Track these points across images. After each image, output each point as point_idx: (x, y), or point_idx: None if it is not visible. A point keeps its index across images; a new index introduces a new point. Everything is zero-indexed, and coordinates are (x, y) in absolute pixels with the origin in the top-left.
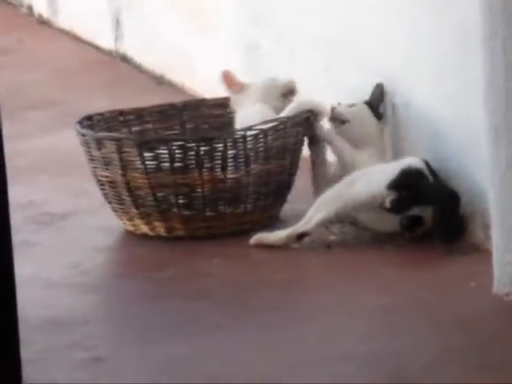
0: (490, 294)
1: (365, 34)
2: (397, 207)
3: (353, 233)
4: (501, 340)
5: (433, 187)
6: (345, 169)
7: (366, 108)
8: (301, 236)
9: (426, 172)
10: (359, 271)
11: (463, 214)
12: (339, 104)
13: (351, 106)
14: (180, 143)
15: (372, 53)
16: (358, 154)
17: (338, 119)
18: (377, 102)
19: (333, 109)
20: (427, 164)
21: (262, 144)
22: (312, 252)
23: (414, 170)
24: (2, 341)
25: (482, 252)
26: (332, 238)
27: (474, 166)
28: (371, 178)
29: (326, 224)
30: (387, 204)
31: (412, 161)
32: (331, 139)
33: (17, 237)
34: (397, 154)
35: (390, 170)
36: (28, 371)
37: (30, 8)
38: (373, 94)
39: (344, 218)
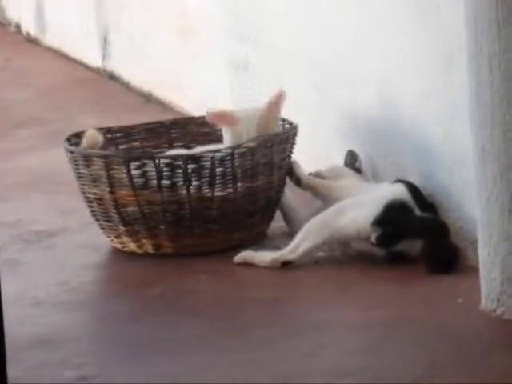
0: (477, 310)
1: (353, 52)
2: (383, 243)
3: (340, 249)
4: (489, 356)
5: (419, 220)
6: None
7: (343, 167)
8: (286, 263)
9: (412, 203)
10: (347, 287)
11: (453, 244)
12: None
13: (328, 168)
14: (168, 161)
15: (360, 70)
16: (340, 183)
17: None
18: (351, 165)
19: (309, 174)
20: (414, 190)
21: (249, 161)
22: (300, 268)
23: (399, 204)
24: None
25: (469, 268)
26: (320, 254)
27: (461, 183)
28: (356, 214)
29: (313, 252)
30: (373, 240)
31: (397, 192)
32: (311, 186)
33: (4, 255)
34: (383, 173)
35: (374, 205)
36: None
37: (17, 26)
38: (345, 162)
39: (332, 244)
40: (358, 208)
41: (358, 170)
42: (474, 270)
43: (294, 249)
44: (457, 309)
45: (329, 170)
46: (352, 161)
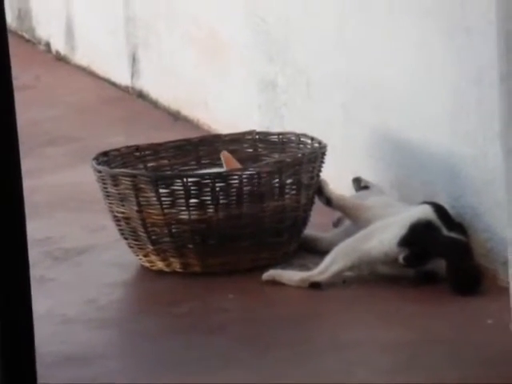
0: (507, 331)
1: (382, 71)
2: (411, 263)
3: (369, 269)
4: None
5: (442, 240)
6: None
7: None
8: (314, 285)
9: (437, 223)
10: (375, 306)
11: (476, 265)
12: None
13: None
14: (195, 179)
15: (389, 90)
16: (369, 203)
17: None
18: (358, 187)
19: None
20: (440, 211)
21: (277, 180)
22: (328, 287)
23: (424, 223)
24: (20, 377)
25: (500, 289)
26: (348, 273)
27: (491, 203)
28: (383, 237)
29: (342, 274)
30: (401, 260)
31: (422, 212)
32: (341, 206)
33: (33, 272)
34: (412, 193)
35: (400, 226)
36: None
37: (47, 45)
38: (355, 188)
39: (361, 268)
40: (385, 230)
41: (366, 187)
42: (504, 291)
43: (323, 270)
44: (486, 330)
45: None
46: (356, 185)
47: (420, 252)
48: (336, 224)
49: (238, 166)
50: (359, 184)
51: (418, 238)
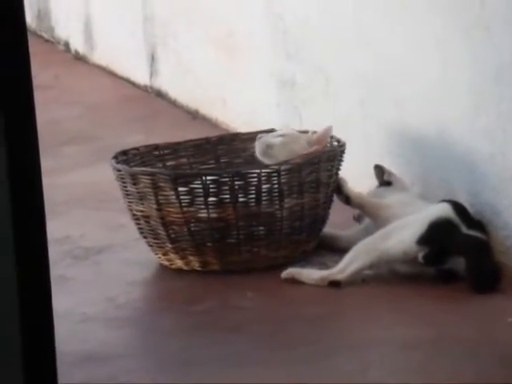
0: None
1: (400, 68)
2: (430, 261)
3: (388, 267)
4: None
5: (461, 238)
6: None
7: (372, 192)
8: (333, 283)
9: (456, 220)
10: (395, 304)
11: (495, 263)
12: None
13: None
14: (214, 178)
15: (407, 87)
16: (389, 202)
17: None
18: (380, 179)
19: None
20: (459, 209)
21: (295, 178)
22: (347, 285)
23: (443, 221)
24: (40, 375)
25: None
26: (367, 272)
27: (510, 201)
28: (402, 235)
29: (361, 273)
30: (420, 259)
31: (441, 210)
32: (360, 204)
33: (53, 271)
34: (430, 191)
35: (418, 224)
36: None
37: (66, 44)
38: (377, 176)
39: (380, 267)
40: (404, 229)
41: (389, 183)
42: None
43: (343, 269)
44: (507, 328)
45: (370, 194)
46: (379, 174)
47: (439, 250)
48: (357, 219)
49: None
50: (381, 172)
51: (437, 237)
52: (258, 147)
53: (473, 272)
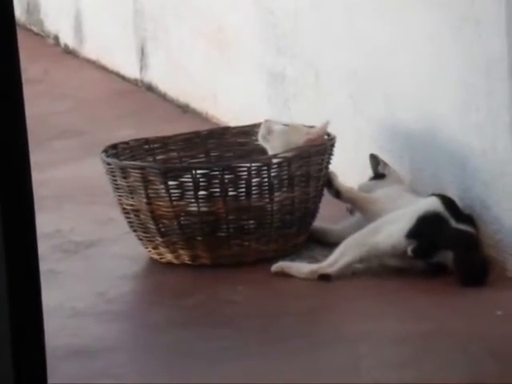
0: None
1: (390, 64)
2: (419, 255)
3: (377, 260)
4: None
5: (450, 232)
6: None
7: (364, 184)
8: (323, 277)
9: (445, 214)
10: (385, 298)
11: (483, 256)
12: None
13: (360, 186)
14: (204, 171)
15: (397, 82)
16: (379, 196)
17: None
18: (375, 169)
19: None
20: (448, 203)
21: (286, 172)
22: (337, 279)
23: (432, 215)
24: (29, 370)
25: (509, 280)
26: (357, 265)
27: (500, 195)
28: (391, 230)
29: (351, 266)
30: (409, 253)
31: (430, 204)
32: (350, 198)
33: (42, 266)
34: (421, 185)
35: (407, 218)
36: None
37: (56, 38)
38: (372, 166)
39: (370, 261)
40: (393, 223)
41: (382, 175)
42: None
43: (333, 263)
44: (496, 321)
45: (361, 188)
46: (374, 164)
47: (428, 244)
48: (351, 211)
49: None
50: (376, 162)
51: (426, 230)
52: (260, 130)
53: (461, 266)
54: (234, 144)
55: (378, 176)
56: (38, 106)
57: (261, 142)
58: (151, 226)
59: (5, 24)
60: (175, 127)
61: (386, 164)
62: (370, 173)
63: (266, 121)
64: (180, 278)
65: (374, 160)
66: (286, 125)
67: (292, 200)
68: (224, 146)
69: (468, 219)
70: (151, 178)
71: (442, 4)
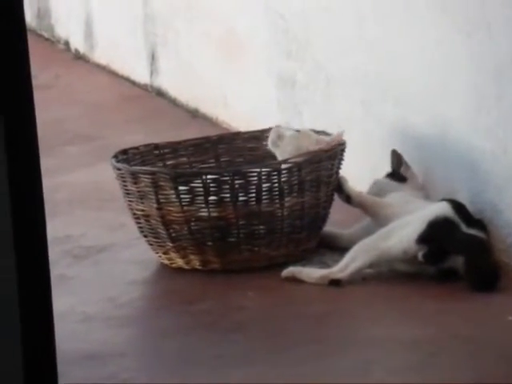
0: None
1: (401, 67)
2: (430, 260)
3: (388, 266)
4: None
5: (460, 237)
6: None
7: (385, 181)
8: (334, 282)
9: (456, 219)
10: (395, 303)
11: (494, 261)
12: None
13: (372, 186)
14: (215, 176)
15: (408, 86)
16: (389, 200)
17: None
18: (397, 167)
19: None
20: (458, 207)
21: (296, 177)
22: (347, 284)
23: (442, 220)
24: (40, 374)
25: None
26: (367, 270)
27: None
28: (402, 235)
29: (361, 271)
30: (420, 258)
31: (440, 209)
32: (361, 203)
33: (53, 271)
34: (432, 189)
35: (418, 223)
36: None
37: (66, 43)
38: (392, 162)
39: (380, 266)
40: (404, 228)
41: (403, 178)
42: None
43: (343, 268)
44: (507, 327)
45: (376, 185)
46: (397, 161)
47: (439, 249)
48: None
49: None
50: (399, 160)
51: (437, 235)
52: (270, 135)
53: (471, 271)
54: (244, 149)
55: (399, 177)
56: (48, 112)
57: (271, 147)
58: (161, 231)
59: (16, 29)
60: (185, 132)
61: (408, 166)
62: (380, 176)
63: (276, 126)
64: (190, 284)
65: (397, 158)
66: (296, 130)
67: (302, 205)
68: (234, 151)
69: (479, 224)
70: (161, 183)
71: (452, 8)
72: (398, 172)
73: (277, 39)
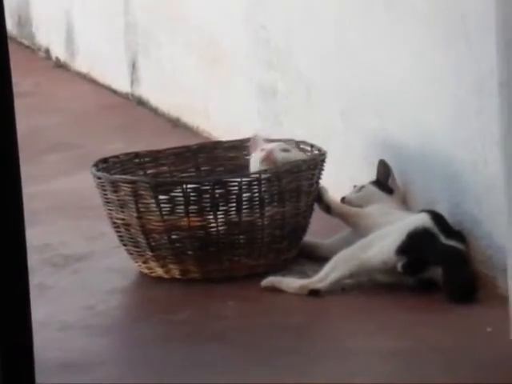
0: (506, 340)
1: (382, 78)
2: (409, 271)
3: (368, 276)
4: None
5: (439, 248)
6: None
7: (374, 189)
8: (313, 292)
9: (435, 230)
10: (374, 314)
11: (471, 273)
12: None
13: (360, 189)
14: (195, 186)
15: (388, 97)
16: (369, 211)
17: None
18: (384, 179)
19: (343, 199)
20: (438, 219)
21: (276, 187)
22: (326, 294)
23: (421, 231)
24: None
25: (499, 297)
26: (347, 281)
27: (491, 211)
28: (381, 246)
29: (341, 282)
30: (399, 269)
31: (419, 220)
32: (341, 214)
33: (32, 279)
34: (411, 200)
35: (397, 234)
36: None
37: (47, 51)
38: (379, 172)
39: (360, 276)
40: (383, 239)
41: (391, 190)
42: (503, 299)
43: (323, 278)
44: (486, 338)
45: (359, 197)
46: (385, 174)
47: (418, 260)
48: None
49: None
50: (386, 171)
51: (416, 246)
52: (263, 160)
53: (449, 282)
54: (224, 158)
55: (386, 188)
56: (29, 120)
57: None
58: (141, 240)
59: None
60: (166, 141)
61: (394, 178)
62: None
63: (254, 137)
64: (170, 293)
65: (385, 168)
66: (285, 150)
67: (283, 215)
68: (215, 161)
69: (458, 235)
70: (142, 192)
71: (432, 20)
72: (385, 183)
73: (258, 49)
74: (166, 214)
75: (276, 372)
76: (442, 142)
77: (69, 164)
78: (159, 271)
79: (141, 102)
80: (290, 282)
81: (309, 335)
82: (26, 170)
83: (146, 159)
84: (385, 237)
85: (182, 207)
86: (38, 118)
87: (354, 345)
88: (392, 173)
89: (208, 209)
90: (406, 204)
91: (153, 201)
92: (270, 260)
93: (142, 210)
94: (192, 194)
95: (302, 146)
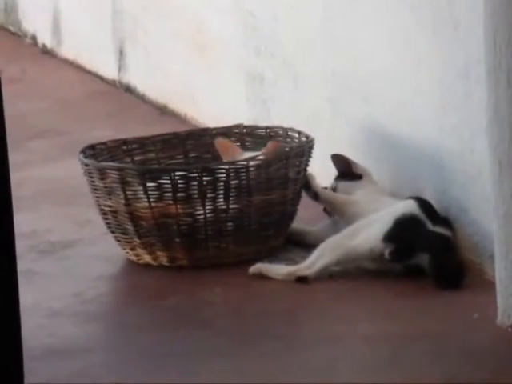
0: (493, 326)
1: (369, 65)
2: (396, 258)
3: (355, 263)
4: (505, 371)
5: (426, 235)
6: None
7: (345, 184)
8: (301, 279)
9: (422, 217)
10: (362, 300)
11: (458, 259)
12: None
13: (334, 190)
14: (183, 173)
15: (376, 84)
16: (356, 198)
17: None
18: (347, 168)
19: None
20: (425, 205)
21: (264, 174)
22: (314, 281)
23: (408, 218)
24: (6, 370)
25: (486, 283)
26: (334, 267)
27: (477, 198)
28: (368, 233)
29: (328, 268)
30: (387, 256)
31: (406, 207)
32: (328, 201)
33: (19, 266)
34: (399, 187)
35: (384, 221)
36: None
37: (33, 38)
38: (338, 166)
39: (347, 263)
40: (370, 226)
41: (358, 176)
42: (490, 285)
43: (310, 265)
44: (472, 324)
45: (341, 190)
46: (342, 163)
47: (405, 247)
48: (328, 212)
49: (235, 150)
50: (344, 160)
51: (403, 233)
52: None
53: (435, 269)
54: (212, 145)
55: (352, 176)
56: (16, 106)
57: None
58: (129, 227)
59: None
60: (154, 128)
61: (356, 164)
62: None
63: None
64: (157, 280)
65: (341, 160)
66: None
67: (270, 202)
68: (203, 147)
69: (444, 222)
70: (129, 179)
71: (420, 6)
72: (350, 172)
73: (246, 36)
74: (153, 201)
75: (263, 357)
76: (430, 129)
77: (56, 151)
78: (147, 258)
79: (128, 89)
80: (278, 269)
81: (296, 321)
82: (12, 157)
83: (134, 146)
84: (372, 224)
85: (170, 194)
86: (25, 105)
87: (340, 331)
88: (350, 160)
89: (196, 196)
90: (378, 183)
91: (140, 188)
92: (257, 247)
93: (129, 197)
94: (180, 181)
95: (289, 133)
